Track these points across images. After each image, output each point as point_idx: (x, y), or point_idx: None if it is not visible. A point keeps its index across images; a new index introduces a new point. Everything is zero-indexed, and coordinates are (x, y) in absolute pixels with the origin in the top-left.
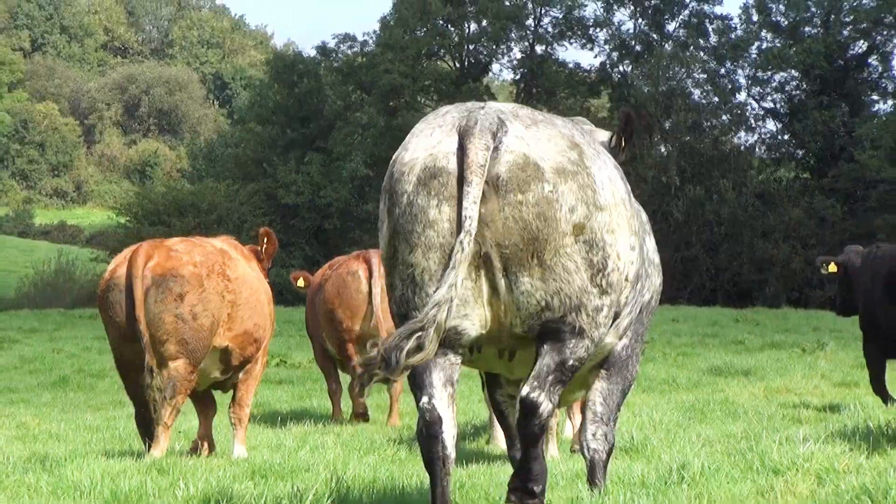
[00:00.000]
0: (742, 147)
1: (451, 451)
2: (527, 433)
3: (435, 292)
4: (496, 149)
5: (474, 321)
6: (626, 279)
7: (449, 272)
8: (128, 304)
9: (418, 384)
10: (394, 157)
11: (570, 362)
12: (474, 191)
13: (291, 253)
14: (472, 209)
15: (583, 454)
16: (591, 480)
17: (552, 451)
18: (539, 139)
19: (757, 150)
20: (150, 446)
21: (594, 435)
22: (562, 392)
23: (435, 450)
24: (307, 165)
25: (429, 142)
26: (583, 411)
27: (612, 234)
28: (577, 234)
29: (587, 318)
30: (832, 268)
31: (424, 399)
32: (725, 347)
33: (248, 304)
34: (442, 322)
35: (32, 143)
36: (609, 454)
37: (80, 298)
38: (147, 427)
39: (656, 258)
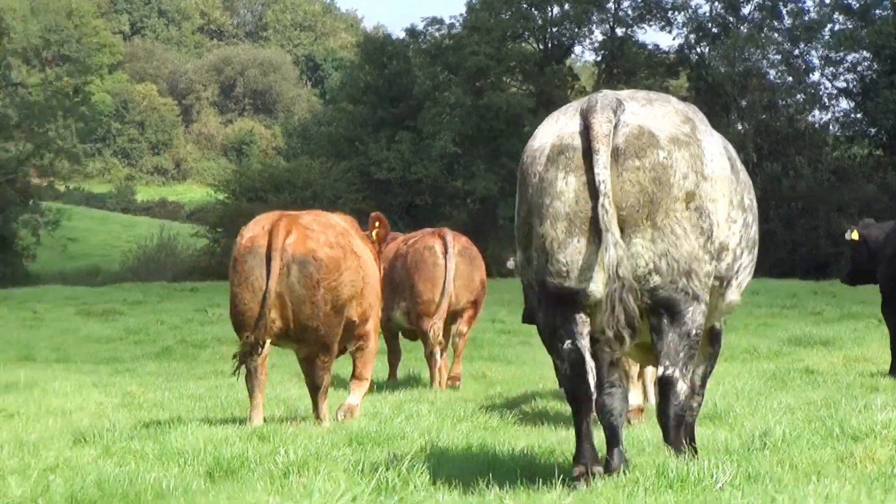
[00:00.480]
0: (816, 125)
1: (594, 391)
2: (667, 415)
3: (606, 258)
4: (615, 124)
5: (598, 283)
6: (739, 246)
7: (605, 235)
8: (264, 275)
9: (561, 333)
10: (525, 148)
11: (692, 331)
12: (603, 158)
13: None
14: (603, 174)
15: (680, 430)
16: (682, 441)
17: (637, 400)
18: (654, 114)
19: (831, 127)
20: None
21: (693, 406)
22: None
23: (582, 387)
24: (398, 143)
25: (555, 128)
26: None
27: (716, 203)
28: (688, 200)
29: (697, 282)
30: (855, 235)
31: (568, 342)
32: (804, 318)
33: (370, 283)
34: (629, 276)
35: (133, 123)
36: (696, 416)
37: (181, 272)
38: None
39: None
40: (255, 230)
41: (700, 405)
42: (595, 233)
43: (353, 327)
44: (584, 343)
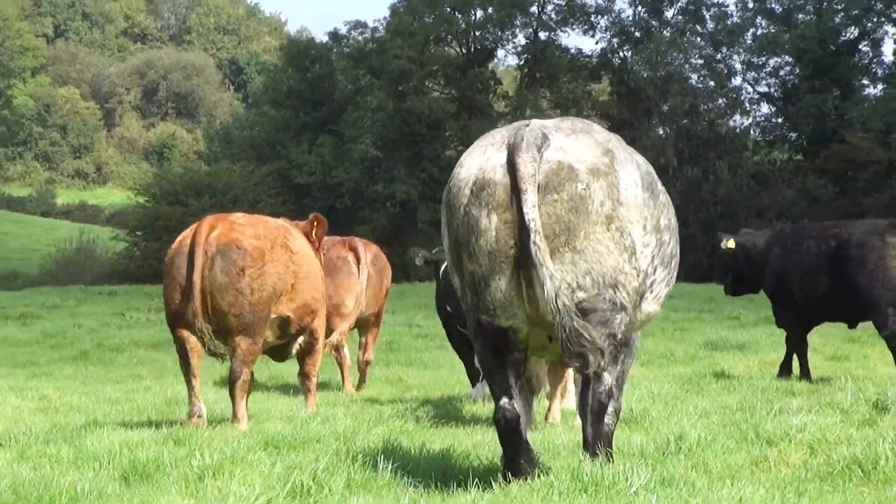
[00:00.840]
0: (737, 130)
1: (527, 441)
2: (588, 403)
3: (544, 292)
4: (541, 157)
5: (521, 321)
6: (657, 261)
7: (541, 270)
8: (188, 270)
9: (497, 379)
10: (451, 176)
11: (618, 335)
12: (530, 198)
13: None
14: (532, 212)
15: (601, 424)
16: (602, 446)
17: (555, 415)
18: (578, 145)
19: (752, 132)
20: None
21: (610, 411)
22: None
23: (514, 438)
24: (319, 147)
25: (480, 159)
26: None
27: (633, 224)
28: (608, 223)
29: (622, 294)
30: (731, 243)
31: (504, 399)
32: (721, 322)
33: (307, 278)
34: (570, 304)
35: (55, 126)
36: (615, 425)
37: (100, 275)
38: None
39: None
40: (185, 232)
41: (618, 411)
42: (516, 270)
43: (290, 324)
44: (518, 400)
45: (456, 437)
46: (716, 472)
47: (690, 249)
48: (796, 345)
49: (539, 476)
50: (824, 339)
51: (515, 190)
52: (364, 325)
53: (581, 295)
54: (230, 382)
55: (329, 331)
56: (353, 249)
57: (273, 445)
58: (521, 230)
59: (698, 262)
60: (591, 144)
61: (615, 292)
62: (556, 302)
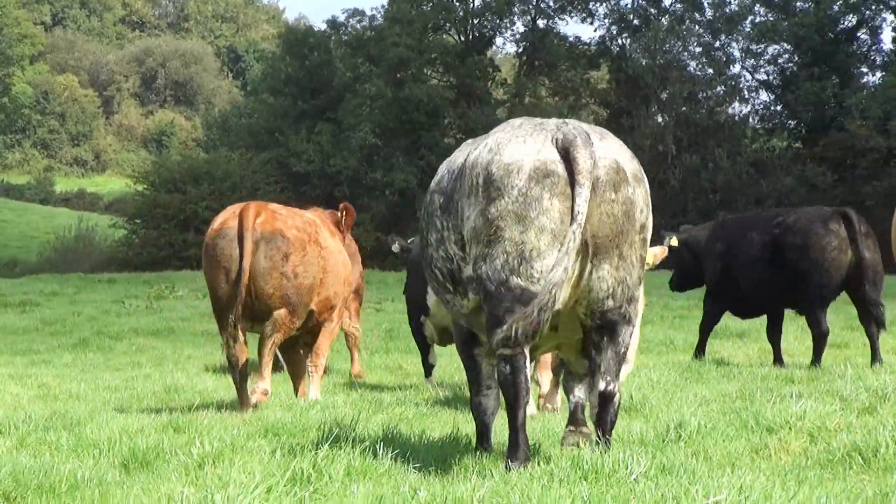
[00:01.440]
0: (736, 117)
1: (529, 391)
2: (605, 420)
3: (551, 274)
4: (594, 157)
5: (560, 298)
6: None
7: (562, 256)
8: (239, 255)
9: (516, 339)
10: (486, 160)
11: (623, 349)
12: (585, 192)
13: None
14: (583, 206)
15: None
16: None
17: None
18: (614, 149)
19: (750, 120)
20: (240, 397)
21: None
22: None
23: (520, 381)
24: (317, 135)
25: (525, 149)
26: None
27: (649, 233)
28: (641, 232)
29: (633, 308)
30: (674, 241)
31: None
32: None
33: (333, 272)
34: (558, 298)
35: (53, 114)
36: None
37: (99, 263)
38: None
39: None
40: (225, 215)
41: (618, 403)
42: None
43: (312, 317)
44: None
45: (456, 425)
46: (716, 459)
47: None
48: (709, 328)
49: (539, 463)
50: None
51: (572, 183)
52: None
53: (610, 304)
54: (260, 340)
55: None
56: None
57: (273, 433)
58: (570, 217)
59: None
60: (623, 148)
61: (630, 306)
62: (553, 288)
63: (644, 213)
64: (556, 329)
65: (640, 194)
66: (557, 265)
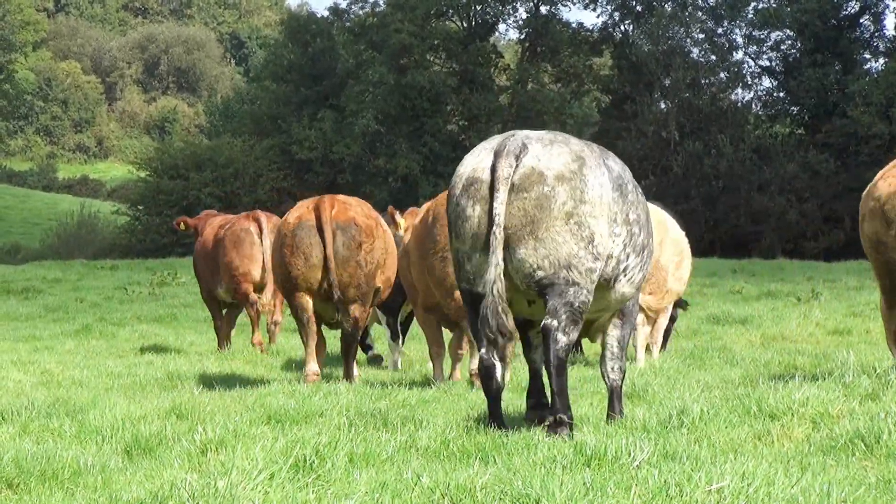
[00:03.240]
0: (739, 104)
1: (502, 385)
2: (548, 359)
3: (486, 275)
4: (516, 167)
5: (503, 290)
6: (624, 251)
7: (491, 255)
8: (321, 244)
9: (478, 335)
10: (455, 170)
11: (574, 301)
12: (501, 195)
13: None
14: (500, 208)
15: (605, 382)
16: (612, 404)
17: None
18: (550, 155)
19: (753, 106)
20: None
21: (613, 368)
22: (592, 333)
23: (493, 385)
24: (320, 122)
25: (475, 160)
26: (602, 350)
27: (596, 219)
28: (567, 218)
29: (577, 274)
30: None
31: (484, 350)
32: (723, 297)
33: (392, 254)
34: (503, 292)
35: (56, 101)
36: (622, 381)
37: (101, 249)
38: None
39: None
40: (300, 210)
41: (622, 369)
42: (487, 251)
43: (377, 295)
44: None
45: (458, 412)
46: (718, 446)
47: (692, 224)
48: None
49: (542, 450)
50: (826, 313)
51: (492, 188)
52: (274, 290)
53: (540, 273)
54: (345, 344)
55: (242, 298)
56: (256, 221)
57: (276, 420)
58: (488, 220)
59: (700, 237)
60: (565, 153)
61: (568, 272)
62: (493, 286)
63: (569, 204)
64: (531, 303)
65: (561, 190)
66: (489, 265)
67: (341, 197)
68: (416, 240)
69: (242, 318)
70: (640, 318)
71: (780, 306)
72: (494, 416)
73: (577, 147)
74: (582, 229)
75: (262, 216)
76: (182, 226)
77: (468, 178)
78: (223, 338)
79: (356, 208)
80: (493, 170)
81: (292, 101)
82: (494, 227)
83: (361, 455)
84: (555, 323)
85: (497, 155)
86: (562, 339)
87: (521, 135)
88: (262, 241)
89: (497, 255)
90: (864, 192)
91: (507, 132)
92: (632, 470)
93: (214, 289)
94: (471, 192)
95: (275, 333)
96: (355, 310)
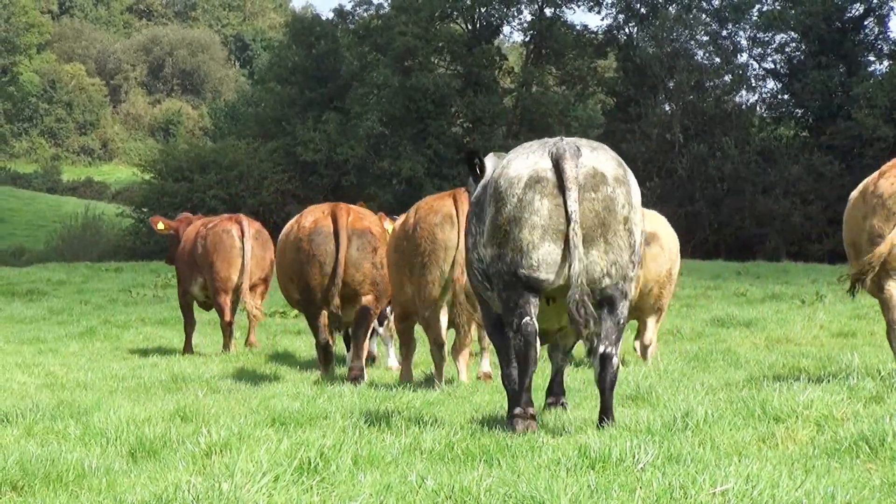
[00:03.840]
0: (743, 106)
1: (539, 352)
2: (604, 381)
3: (571, 270)
4: (578, 165)
5: (558, 277)
6: (637, 257)
7: (574, 251)
8: (335, 249)
9: (521, 311)
10: (495, 175)
11: (622, 319)
12: (574, 194)
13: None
14: (574, 206)
15: (612, 394)
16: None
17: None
18: (601, 159)
19: (758, 108)
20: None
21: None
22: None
23: (531, 352)
24: (324, 124)
25: (527, 162)
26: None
27: (636, 226)
28: (625, 223)
29: (629, 284)
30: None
31: (527, 318)
32: (728, 299)
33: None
34: (586, 283)
35: (60, 103)
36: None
37: (106, 252)
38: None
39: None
40: (315, 215)
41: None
42: (560, 242)
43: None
44: (535, 320)
45: (462, 415)
46: (723, 448)
47: (696, 226)
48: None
49: (546, 452)
50: (831, 315)
51: (562, 188)
52: (252, 290)
53: (607, 281)
54: (359, 324)
55: (216, 302)
56: (239, 224)
57: (280, 422)
58: (564, 216)
59: (704, 239)
60: (610, 158)
61: (625, 283)
62: (579, 277)
63: (626, 208)
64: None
65: (621, 192)
66: (573, 260)
67: (354, 206)
68: (395, 243)
69: (242, 320)
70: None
71: (784, 309)
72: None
73: (614, 154)
74: (631, 236)
75: (245, 220)
76: (161, 225)
77: (532, 177)
78: (189, 339)
79: (369, 216)
80: (562, 170)
81: (297, 104)
82: (574, 225)
83: (366, 457)
84: (611, 350)
85: (559, 157)
86: (615, 362)
87: (569, 140)
88: (243, 244)
89: (580, 250)
90: (859, 190)
91: (546, 139)
92: (636, 472)
93: (190, 287)
94: (537, 189)
95: (232, 332)
96: (369, 300)
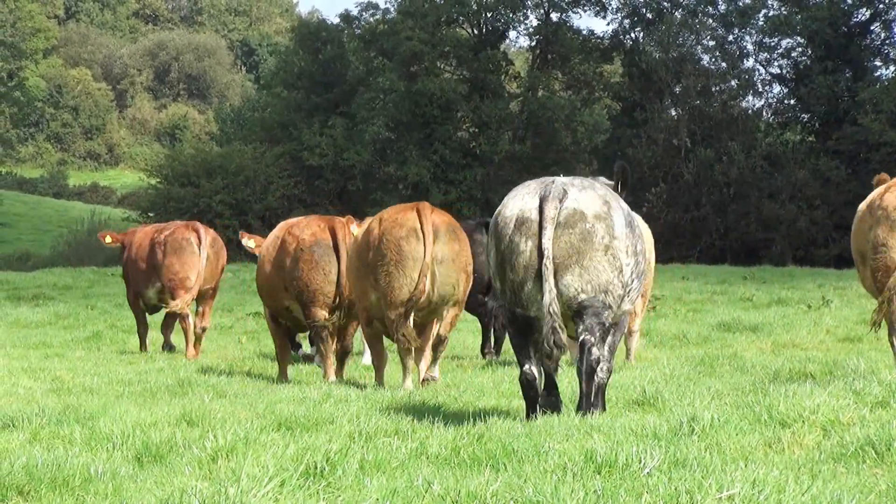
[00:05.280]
0: (750, 111)
1: (539, 392)
2: (582, 367)
3: (542, 300)
4: (560, 209)
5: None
6: (632, 276)
7: (544, 283)
8: (424, 251)
9: (522, 352)
10: (496, 213)
11: (605, 321)
12: (548, 232)
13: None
14: (548, 244)
15: (592, 382)
16: (596, 400)
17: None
18: (586, 198)
19: (764, 113)
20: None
21: (602, 369)
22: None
23: (532, 394)
24: (331, 129)
25: (520, 203)
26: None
27: (622, 252)
28: (605, 251)
29: (611, 298)
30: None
31: (527, 366)
32: (734, 304)
33: None
34: (558, 312)
35: (66, 108)
36: (608, 380)
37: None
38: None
39: (652, 262)
40: (400, 217)
41: (610, 370)
42: (539, 279)
43: None
44: (535, 363)
45: (469, 419)
46: (729, 453)
47: (703, 231)
48: None
49: (552, 457)
50: (837, 320)
51: (540, 226)
52: (202, 297)
53: (583, 297)
54: (438, 344)
55: (175, 297)
56: (196, 231)
57: (286, 427)
58: (539, 254)
59: (711, 244)
60: (596, 197)
61: (605, 296)
62: (550, 307)
63: (606, 239)
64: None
65: (599, 227)
66: (544, 292)
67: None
68: (359, 252)
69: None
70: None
71: (790, 313)
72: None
73: (602, 192)
74: (615, 260)
75: (201, 227)
76: (108, 239)
77: (519, 218)
78: (143, 340)
79: (445, 214)
80: (541, 211)
81: (303, 108)
82: (545, 259)
83: (372, 462)
84: (591, 339)
85: (543, 199)
86: (595, 352)
87: (560, 181)
88: (200, 251)
89: (550, 282)
90: (867, 203)
91: (543, 178)
92: (642, 477)
93: (143, 291)
94: (522, 230)
95: (201, 337)
96: (452, 310)
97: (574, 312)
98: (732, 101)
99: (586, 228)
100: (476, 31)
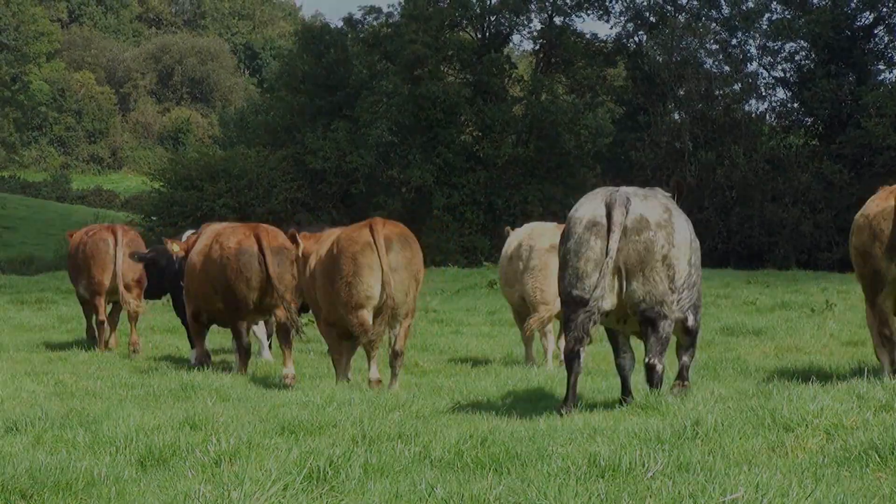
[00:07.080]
0: (753, 114)
1: (581, 369)
2: (651, 382)
3: (595, 291)
4: (627, 212)
5: (608, 301)
6: (684, 285)
7: (600, 278)
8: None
9: (578, 334)
10: (570, 213)
11: (664, 336)
12: (616, 235)
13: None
14: (613, 245)
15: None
16: (682, 376)
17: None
18: (648, 207)
19: (767, 117)
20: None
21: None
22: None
23: (574, 367)
24: (334, 132)
25: (590, 207)
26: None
27: (678, 260)
28: (663, 261)
29: (667, 308)
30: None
31: (573, 342)
32: (737, 308)
33: None
34: (601, 305)
35: (70, 111)
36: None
37: None
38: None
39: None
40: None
41: (693, 357)
42: (612, 273)
43: None
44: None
45: (472, 423)
46: (732, 457)
47: (706, 234)
48: None
49: (556, 461)
50: (841, 324)
51: (609, 230)
52: (128, 290)
53: (643, 306)
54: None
55: (92, 302)
56: (113, 234)
57: (290, 431)
58: (605, 253)
59: (714, 248)
60: (657, 205)
61: (662, 307)
62: (597, 301)
63: (665, 248)
64: (625, 321)
65: (660, 235)
66: (599, 283)
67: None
68: (323, 267)
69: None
70: (550, 326)
71: (794, 317)
72: (572, 396)
73: (664, 200)
74: (670, 270)
75: (120, 230)
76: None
77: (590, 220)
78: (92, 337)
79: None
80: (609, 216)
81: (306, 112)
82: (609, 259)
83: (375, 466)
84: (657, 363)
85: (609, 206)
86: (660, 370)
87: (624, 190)
88: (115, 252)
89: (606, 279)
90: (860, 212)
91: (608, 187)
92: (646, 481)
93: (77, 287)
94: (593, 230)
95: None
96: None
97: (640, 323)
98: (735, 104)
99: (650, 237)
100: (479, 35)
